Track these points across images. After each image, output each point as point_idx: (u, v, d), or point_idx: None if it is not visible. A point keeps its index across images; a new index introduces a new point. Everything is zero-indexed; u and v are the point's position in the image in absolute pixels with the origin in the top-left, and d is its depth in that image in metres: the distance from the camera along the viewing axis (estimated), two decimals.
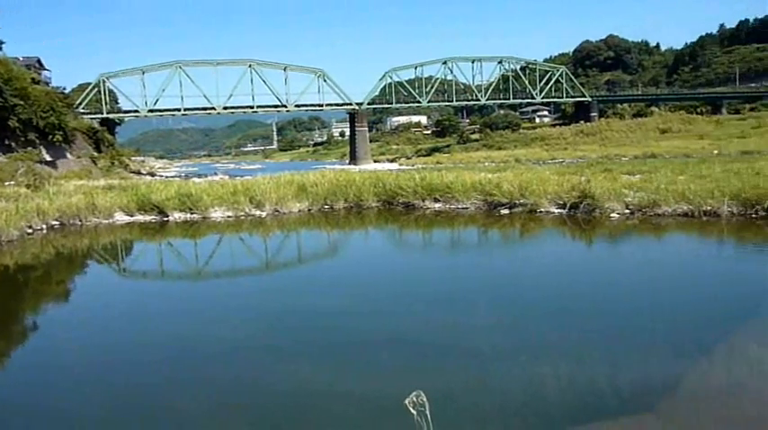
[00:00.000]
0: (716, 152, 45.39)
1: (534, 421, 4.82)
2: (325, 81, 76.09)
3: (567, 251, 12.42)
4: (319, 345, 6.92)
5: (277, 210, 18.92)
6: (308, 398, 5.44)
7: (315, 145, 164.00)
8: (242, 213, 18.66)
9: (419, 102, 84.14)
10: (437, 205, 18.54)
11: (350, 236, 16.73)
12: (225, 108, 75.40)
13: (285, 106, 77.10)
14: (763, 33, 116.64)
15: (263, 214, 18.69)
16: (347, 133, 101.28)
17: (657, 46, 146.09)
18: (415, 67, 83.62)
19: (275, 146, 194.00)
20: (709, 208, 13.98)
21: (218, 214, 18.57)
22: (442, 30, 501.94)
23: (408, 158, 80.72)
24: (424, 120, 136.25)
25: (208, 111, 76.32)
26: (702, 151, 48.01)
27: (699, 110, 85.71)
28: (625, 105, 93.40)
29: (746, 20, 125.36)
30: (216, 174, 51.21)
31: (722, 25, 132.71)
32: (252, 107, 76.91)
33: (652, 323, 7.06)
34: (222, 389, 5.78)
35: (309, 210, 19.32)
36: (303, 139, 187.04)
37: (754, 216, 13.64)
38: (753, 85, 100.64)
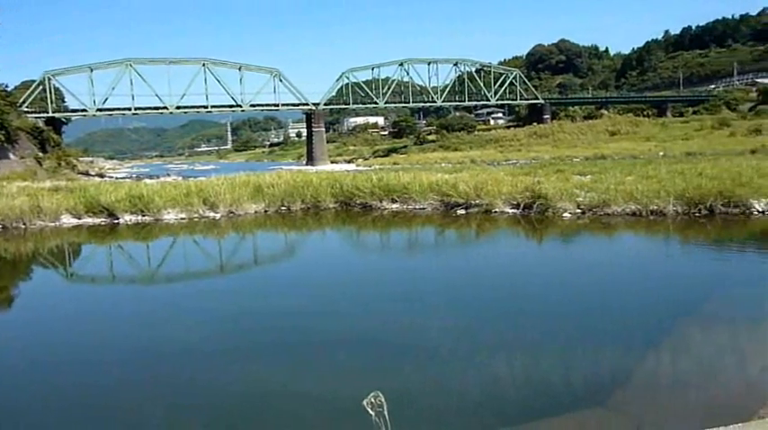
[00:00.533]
0: (661, 153, 46.93)
1: (491, 420, 4.89)
2: (281, 81, 75.10)
3: (522, 252, 12.65)
4: (276, 346, 6.85)
5: (232, 212, 18.63)
6: (264, 399, 5.38)
7: (271, 145, 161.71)
8: (196, 215, 18.29)
9: (376, 103, 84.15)
10: (394, 206, 18.61)
11: (307, 237, 16.61)
12: (178, 107, 73.36)
13: (240, 106, 75.77)
14: (705, 40, 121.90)
15: (218, 216, 18.36)
16: (304, 134, 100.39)
17: (607, 50, 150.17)
18: (372, 68, 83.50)
19: (230, 146, 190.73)
20: (655, 207, 14.51)
21: (170, 216, 18.14)
22: (399, 30, 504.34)
23: (365, 159, 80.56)
24: (381, 121, 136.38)
25: (160, 111, 74.06)
26: (649, 152, 49.62)
27: (645, 113, 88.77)
28: (576, 108, 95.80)
29: (689, 27, 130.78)
30: (168, 174, 50.03)
31: (667, 32, 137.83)
32: (206, 107, 75.16)
33: (602, 322, 7.28)
34: (176, 390, 5.65)
35: (266, 211, 19.09)
36: (259, 140, 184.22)
37: (697, 215, 14.22)
38: (696, 88, 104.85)
